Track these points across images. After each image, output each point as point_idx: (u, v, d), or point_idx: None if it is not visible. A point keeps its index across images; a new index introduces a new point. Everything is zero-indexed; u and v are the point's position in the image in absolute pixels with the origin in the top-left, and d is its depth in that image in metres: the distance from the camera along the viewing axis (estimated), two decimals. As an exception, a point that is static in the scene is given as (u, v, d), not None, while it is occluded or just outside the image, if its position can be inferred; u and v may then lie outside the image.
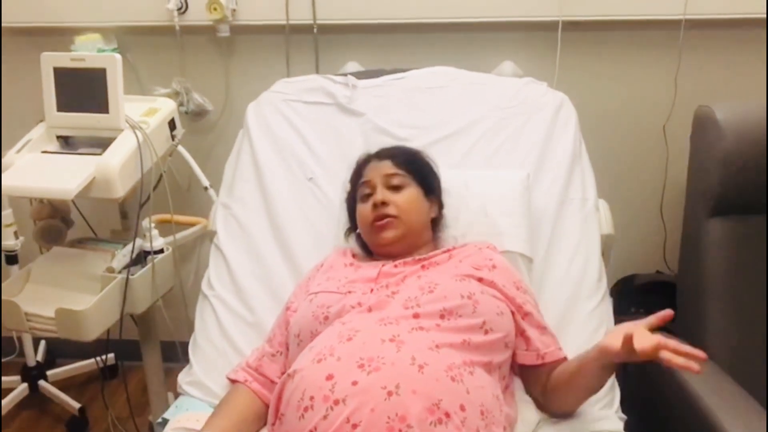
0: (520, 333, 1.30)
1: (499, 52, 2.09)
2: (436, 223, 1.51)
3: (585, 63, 2.10)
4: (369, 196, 1.44)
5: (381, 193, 1.42)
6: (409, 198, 1.44)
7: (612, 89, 2.13)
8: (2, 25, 2.16)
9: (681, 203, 1.78)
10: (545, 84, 1.83)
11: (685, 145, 1.74)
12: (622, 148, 2.17)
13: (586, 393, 1.25)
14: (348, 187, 1.57)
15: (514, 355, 1.29)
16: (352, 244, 1.56)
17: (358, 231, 1.53)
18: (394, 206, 1.40)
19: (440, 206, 1.52)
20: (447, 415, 1.03)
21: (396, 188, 1.43)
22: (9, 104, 2.27)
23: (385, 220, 1.40)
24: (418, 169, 1.50)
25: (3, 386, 2.32)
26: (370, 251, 1.52)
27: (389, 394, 1.02)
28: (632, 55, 2.09)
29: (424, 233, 1.46)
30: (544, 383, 1.29)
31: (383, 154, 1.51)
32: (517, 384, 1.33)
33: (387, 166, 1.47)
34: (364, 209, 1.44)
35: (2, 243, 2.06)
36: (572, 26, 2.02)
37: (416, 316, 1.19)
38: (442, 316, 1.19)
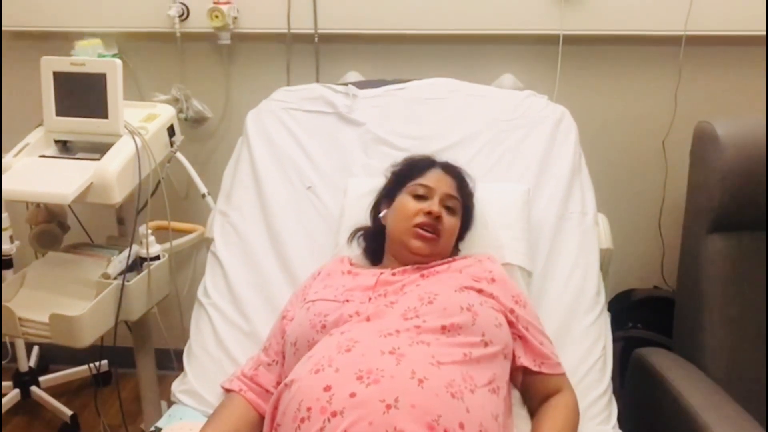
0: (520, 337, 1.30)
1: (500, 64, 2.09)
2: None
3: (585, 77, 2.11)
4: (423, 198, 1.43)
5: (439, 208, 1.40)
6: (454, 226, 1.44)
7: (612, 104, 2.13)
8: (3, 28, 2.15)
9: (680, 218, 1.78)
10: (545, 97, 1.83)
11: (685, 161, 1.75)
12: (622, 162, 2.17)
13: None
14: (389, 174, 1.55)
15: (513, 364, 1.28)
16: (353, 249, 1.55)
17: (362, 234, 1.53)
18: (442, 226, 1.40)
19: (459, 239, 1.51)
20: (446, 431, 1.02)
21: (449, 210, 1.43)
22: (8, 108, 2.26)
23: (430, 234, 1.39)
24: (468, 204, 1.50)
25: (-6, 392, 2.31)
26: (371, 257, 1.52)
27: (388, 407, 1.01)
28: (633, 70, 2.09)
29: (439, 259, 1.44)
30: (540, 398, 1.28)
31: (451, 171, 1.51)
32: (514, 399, 1.32)
33: (451, 185, 1.46)
34: (414, 206, 1.41)
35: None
36: (573, 40, 2.03)
37: (417, 327, 1.18)
38: (443, 331, 1.18)
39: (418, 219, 1.39)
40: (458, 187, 1.48)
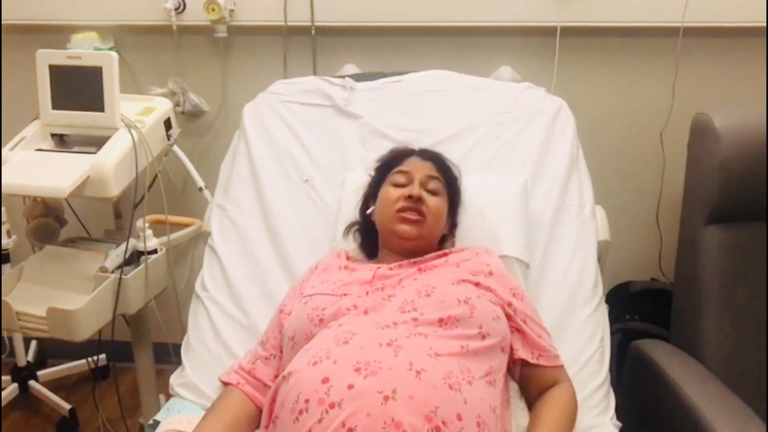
0: (517, 330, 1.30)
1: (497, 56, 2.09)
2: (443, 240, 1.50)
3: (583, 69, 2.10)
4: (403, 186, 1.43)
5: (418, 190, 1.41)
6: (440, 206, 1.44)
7: (610, 95, 2.13)
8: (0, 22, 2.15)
9: (677, 210, 1.78)
10: (543, 89, 1.83)
11: (682, 153, 1.74)
12: (619, 154, 2.17)
13: None
14: (372, 172, 1.56)
15: (511, 356, 1.29)
16: (350, 242, 1.55)
17: (357, 228, 1.53)
18: (426, 207, 1.40)
19: (453, 225, 1.52)
20: (444, 423, 1.01)
21: (431, 192, 1.43)
22: (4, 101, 2.26)
23: (415, 216, 1.38)
24: (452, 183, 1.51)
25: (-7, 386, 2.31)
26: (368, 250, 1.51)
27: (386, 399, 1.01)
28: (630, 61, 2.09)
29: (433, 244, 1.45)
30: (539, 390, 1.29)
31: (427, 155, 1.52)
32: (513, 391, 1.33)
33: (430, 168, 1.47)
34: (394, 193, 1.42)
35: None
36: (570, 32, 2.02)
37: (415, 320, 1.18)
38: (440, 324, 1.18)
39: (400, 204, 1.39)
40: (438, 168, 1.48)
